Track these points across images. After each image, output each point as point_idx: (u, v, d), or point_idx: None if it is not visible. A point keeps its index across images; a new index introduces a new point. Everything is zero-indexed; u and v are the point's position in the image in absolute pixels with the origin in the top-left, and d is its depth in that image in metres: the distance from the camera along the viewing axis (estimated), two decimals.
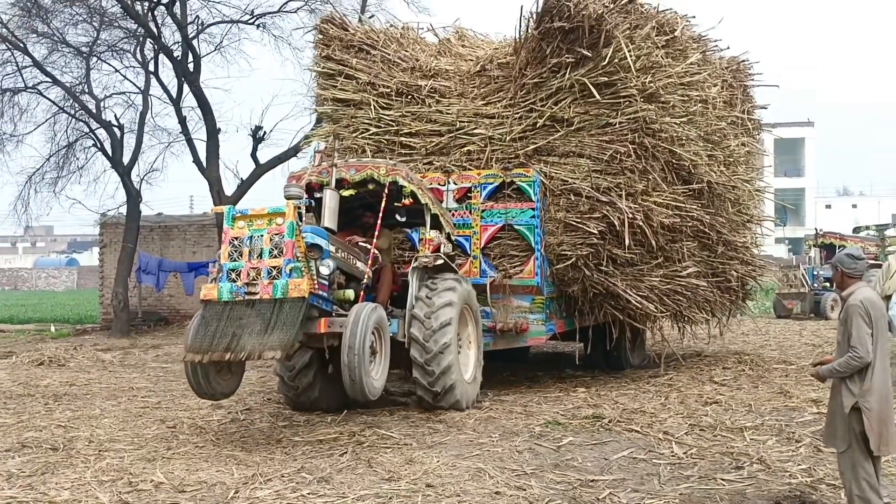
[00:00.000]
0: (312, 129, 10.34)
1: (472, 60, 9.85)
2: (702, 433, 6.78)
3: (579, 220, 8.53)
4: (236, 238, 6.28)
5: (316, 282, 6.30)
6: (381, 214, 7.37)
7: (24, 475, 5.63)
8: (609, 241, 8.50)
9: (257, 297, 6.03)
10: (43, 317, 22.25)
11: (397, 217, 8.40)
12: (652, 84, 8.68)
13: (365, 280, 7.12)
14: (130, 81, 18.79)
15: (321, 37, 10.13)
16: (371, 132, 9.64)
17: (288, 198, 6.60)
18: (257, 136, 17.39)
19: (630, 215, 8.40)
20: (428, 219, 7.90)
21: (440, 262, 7.68)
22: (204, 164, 17.17)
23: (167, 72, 18.44)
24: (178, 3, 16.54)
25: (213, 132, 17.08)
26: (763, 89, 11.85)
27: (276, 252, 6.16)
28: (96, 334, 17.43)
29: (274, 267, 6.14)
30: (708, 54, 10.39)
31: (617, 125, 8.56)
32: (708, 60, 10.25)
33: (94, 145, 18.40)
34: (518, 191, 8.74)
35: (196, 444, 6.44)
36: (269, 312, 5.99)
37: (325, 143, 10.04)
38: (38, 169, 18.31)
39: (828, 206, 57.08)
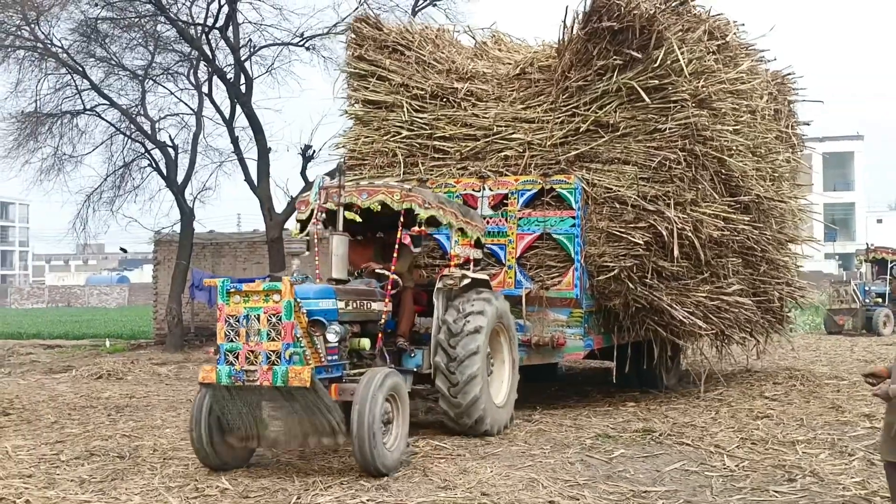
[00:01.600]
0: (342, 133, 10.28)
1: (510, 64, 9.83)
2: (753, 446, 6.91)
3: (623, 230, 8.39)
4: (232, 316, 5.89)
5: (322, 353, 6.04)
6: (396, 245, 7.04)
7: (95, 481, 6.06)
8: (654, 252, 8.37)
9: (257, 382, 5.74)
10: (97, 332, 23.47)
11: (412, 247, 8.10)
12: (704, 89, 8.57)
13: (383, 320, 6.91)
14: (185, 103, 20.06)
15: (354, 36, 10.18)
16: (403, 135, 9.65)
17: (290, 254, 6.54)
18: (307, 155, 17.93)
19: (679, 226, 8.27)
20: (453, 235, 7.70)
21: (467, 282, 7.44)
22: (255, 182, 17.98)
23: (220, 93, 19.54)
24: (231, 28, 17.59)
25: (264, 152, 17.91)
26: (808, 105, 11.68)
27: (273, 334, 5.77)
28: (150, 349, 18.28)
29: (273, 351, 5.77)
30: (756, 64, 10.27)
31: (666, 131, 8.43)
32: (756, 70, 10.13)
33: (150, 165, 19.68)
34: (557, 198, 8.66)
35: (256, 453, 6.68)
36: (283, 399, 5.79)
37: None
38: (97, 188, 19.66)
39: (879, 221, 56.33)
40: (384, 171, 9.55)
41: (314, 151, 17.91)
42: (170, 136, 19.84)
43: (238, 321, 5.82)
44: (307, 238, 7.27)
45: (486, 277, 7.99)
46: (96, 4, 16.97)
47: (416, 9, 18.31)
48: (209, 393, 5.98)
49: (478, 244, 8.18)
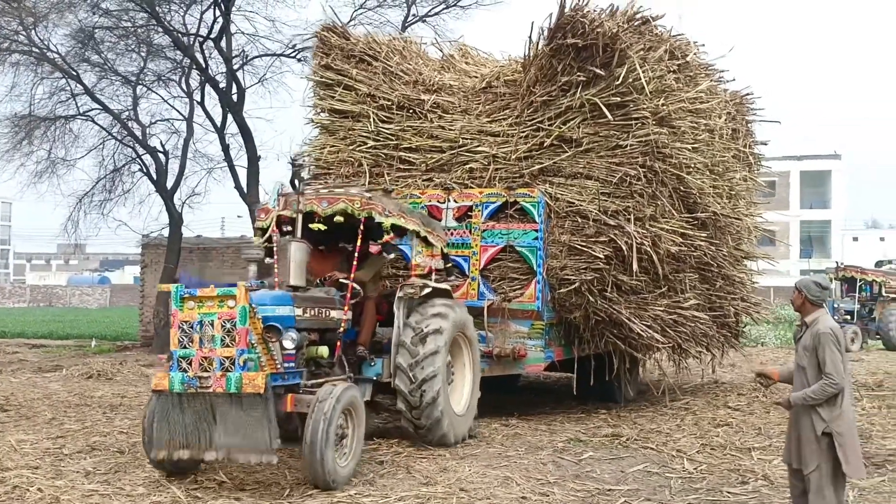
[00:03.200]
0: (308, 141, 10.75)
1: (476, 77, 10.39)
2: (712, 452, 7.78)
3: (584, 244, 8.95)
4: (186, 322, 6.05)
5: (278, 360, 6.23)
6: (356, 252, 7.32)
7: (99, 472, 6.67)
8: (615, 266, 8.92)
9: (210, 389, 5.90)
10: (81, 333, 24.34)
11: (383, 254, 8.21)
12: (664, 107, 9.19)
13: (342, 329, 7.21)
14: (176, 110, 21.15)
15: (321, 45, 10.65)
16: (369, 146, 10.14)
17: (247, 261, 6.81)
18: (296, 164, 18.63)
19: (638, 240, 8.83)
20: (415, 243, 8.08)
21: (428, 290, 7.82)
22: (245, 189, 18.80)
23: (211, 100, 20.57)
24: (224, 38, 18.59)
25: (254, 159, 18.83)
26: (766, 124, 12.43)
27: (228, 340, 5.94)
28: (137, 350, 19.04)
29: (227, 357, 5.93)
30: (715, 84, 10.97)
31: (627, 147, 9.04)
32: (715, 90, 10.81)
33: (141, 170, 20.81)
34: (521, 211, 9.21)
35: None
36: (232, 406, 5.90)
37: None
38: (88, 192, 20.70)
39: (855, 239, 58.05)
40: (349, 181, 9.96)
41: (304, 160, 18.69)
42: (161, 141, 20.96)
43: (192, 327, 6.03)
44: (265, 245, 7.57)
45: (448, 287, 8.43)
46: (94, 12, 17.99)
47: (406, 25, 19.38)
48: (157, 400, 6.14)
49: (442, 255, 8.65)
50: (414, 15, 20.33)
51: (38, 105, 19.76)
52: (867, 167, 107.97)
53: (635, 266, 8.80)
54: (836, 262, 24.70)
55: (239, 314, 5.92)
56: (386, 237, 7.53)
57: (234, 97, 19.03)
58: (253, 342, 5.98)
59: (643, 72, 8.92)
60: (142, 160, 20.69)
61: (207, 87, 20.03)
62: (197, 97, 20.42)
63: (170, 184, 20.24)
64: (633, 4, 9.34)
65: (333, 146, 10.38)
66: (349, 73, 10.44)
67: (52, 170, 20.41)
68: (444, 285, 8.39)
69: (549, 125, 9.32)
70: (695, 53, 10.26)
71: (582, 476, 6.83)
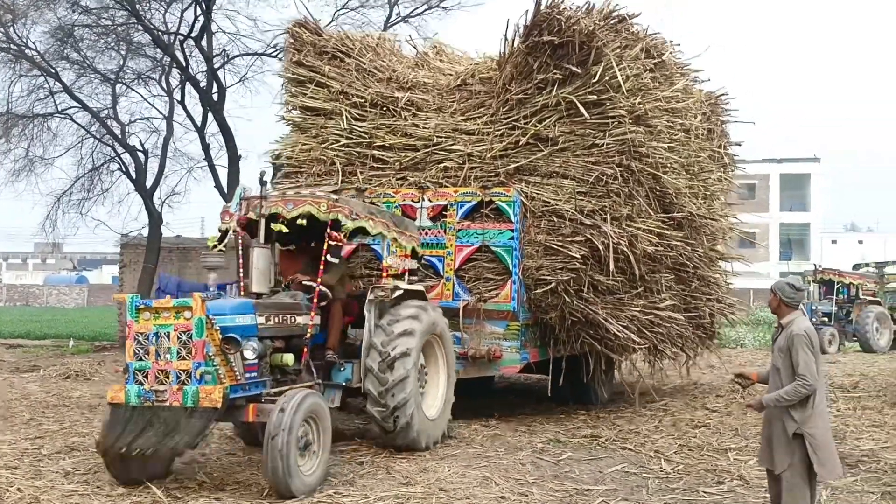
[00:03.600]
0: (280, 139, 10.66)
1: (451, 75, 10.35)
2: (690, 452, 7.93)
3: (561, 244, 8.92)
4: (141, 333, 5.98)
5: (238, 371, 6.14)
6: (323, 256, 7.17)
7: (78, 473, 6.74)
8: (591, 266, 8.90)
9: (166, 403, 5.83)
10: (58, 333, 24.27)
11: (329, 256, 7.66)
12: (641, 106, 9.20)
13: (308, 334, 7.11)
14: (157, 109, 21.34)
15: (293, 41, 10.55)
16: (341, 143, 10.06)
17: (207, 268, 6.67)
18: (277, 164, 18.93)
19: (615, 240, 8.82)
20: (385, 246, 8.02)
21: (399, 293, 7.75)
22: (225, 189, 18.83)
23: (191, 99, 20.76)
24: (205, 37, 18.79)
25: (234, 159, 18.95)
26: (740, 125, 12.55)
27: (184, 352, 5.88)
28: (115, 351, 18.83)
29: (183, 370, 5.87)
30: (691, 84, 11.01)
31: (603, 146, 9.03)
32: (690, 90, 10.86)
33: (120, 169, 20.92)
34: (497, 211, 9.17)
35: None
36: (177, 419, 5.84)
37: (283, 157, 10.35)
38: (66, 191, 20.83)
39: (833, 242, 58.80)
40: (322, 180, 9.91)
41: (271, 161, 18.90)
42: (140, 140, 21.14)
43: (148, 339, 5.94)
44: (224, 249, 7.32)
45: (421, 288, 8.37)
46: (73, 10, 18.07)
47: (388, 25, 19.56)
48: (111, 413, 6.03)
49: (414, 255, 8.58)
50: (397, 15, 20.60)
51: (15, 103, 19.82)
52: (847, 170, 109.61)
53: (612, 266, 8.79)
54: (814, 265, 25.06)
55: (195, 326, 5.87)
56: (335, 235, 7.27)
57: (215, 96, 19.18)
58: (210, 354, 5.90)
59: (619, 70, 8.92)
60: (121, 159, 20.79)
61: (188, 86, 20.11)
62: (177, 96, 20.55)
63: (149, 183, 20.32)
64: (610, 2, 9.34)
65: (305, 144, 10.29)
66: (321, 69, 10.35)
67: (30, 168, 20.51)
68: (417, 286, 8.34)
69: (524, 123, 9.29)
70: (671, 53, 10.29)
71: (560, 476, 6.98)
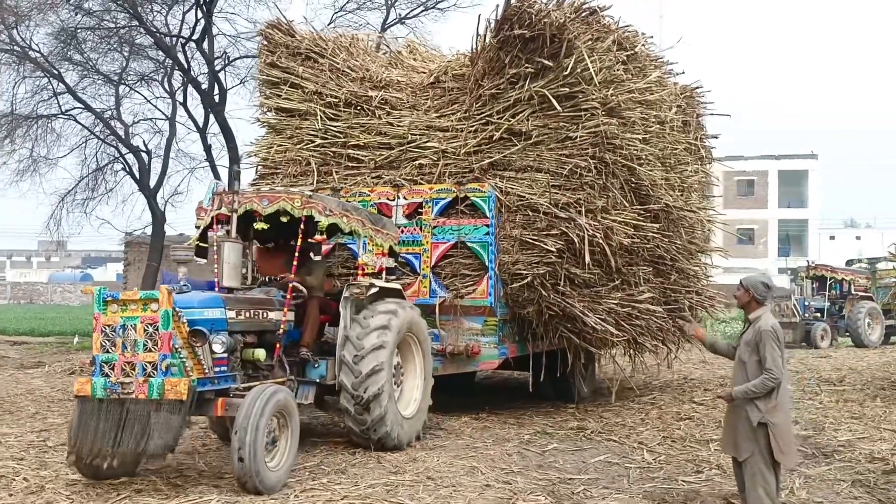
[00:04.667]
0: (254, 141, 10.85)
1: (424, 73, 10.54)
2: (673, 444, 8.30)
3: (536, 238, 9.07)
4: (108, 325, 6.08)
5: (207, 364, 6.23)
6: (297, 252, 7.33)
7: None
8: (567, 259, 9.05)
9: (132, 395, 5.92)
10: (63, 330, 24.79)
11: (311, 255, 8.03)
12: (613, 98, 9.38)
13: (281, 330, 7.23)
14: (159, 110, 22.40)
15: (266, 43, 10.75)
16: (316, 143, 10.26)
17: (176, 262, 6.83)
18: (251, 166, 19.85)
19: (590, 233, 8.98)
20: (360, 244, 8.17)
21: (374, 290, 7.88)
22: (226, 188, 19.55)
23: (193, 100, 21.56)
24: (206, 40, 19.58)
25: (235, 159, 19.36)
26: (717, 118, 12.88)
27: (150, 345, 5.99)
28: None
29: (149, 362, 5.96)
30: (665, 76, 11.22)
31: (577, 139, 9.19)
32: (664, 82, 11.06)
33: (123, 169, 21.90)
34: (472, 206, 9.35)
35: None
36: (147, 414, 5.90)
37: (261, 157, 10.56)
38: (71, 190, 21.89)
39: (831, 238, 59.26)
40: (297, 181, 10.10)
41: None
42: (143, 141, 22.16)
43: (114, 331, 6.04)
44: (198, 244, 7.60)
45: (398, 286, 8.51)
46: (76, 13, 18.87)
47: (385, 27, 20.23)
48: (80, 409, 6.10)
49: (391, 253, 8.75)
50: (394, 17, 21.35)
51: (19, 104, 20.68)
52: (846, 166, 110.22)
53: (587, 258, 8.94)
54: (807, 261, 25.54)
55: (161, 318, 5.95)
56: (318, 238, 7.51)
57: (216, 98, 19.93)
58: (177, 347, 5.99)
59: (591, 62, 9.09)
60: (125, 159, 21.70)
61: (190, 88, 20.84)
62: (179, 97, 21.37)
63: (153, 183, 21.30)
64: None
65: (280, 145, 10.48)
66: (295, 70, 10.54)
67: (35, 168, 21.43)
68: (394, 284, 8.49)
69: (498, 118, 9.46)
70: (643, 45, 10.49)
71: (545, 466, 7.34)
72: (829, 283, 23.13)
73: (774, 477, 5.43)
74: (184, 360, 6.01)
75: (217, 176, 20.15)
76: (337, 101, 10.32)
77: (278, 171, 10.42)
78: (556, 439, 8.50)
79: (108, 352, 6.06)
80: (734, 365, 5.69)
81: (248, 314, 6.93)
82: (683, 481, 6.81)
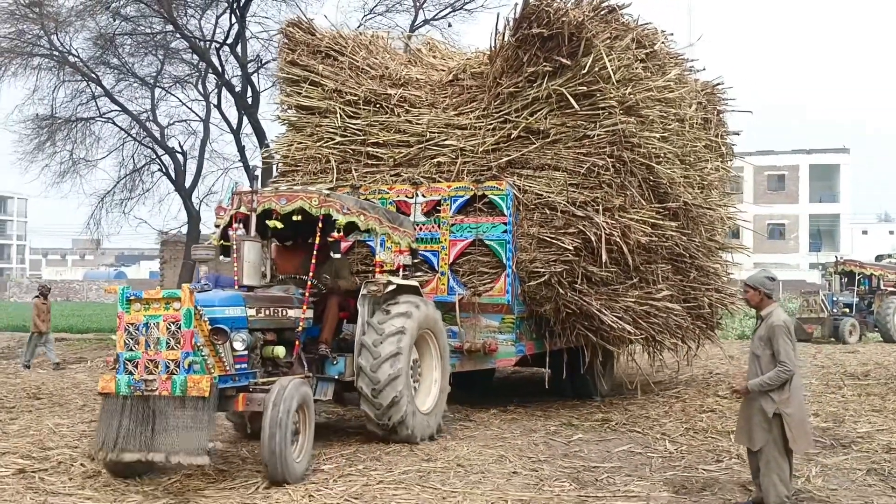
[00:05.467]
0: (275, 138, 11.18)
1: (443, 70, 10.78)
2: (695, 435, 8.69)
3: (554, 236, 9.30)
4: (131, 324, 6.32)
5: (228, 362, 6.44)
6: (315, 250, 7.58)
7: None
8: (584, 258, 9.27)
9: (156, 392, 6.14)
10: (101, 327, 26.11)
11: (331, 254, 8.45)
12: (632, 96, 9.54)
13: (300, 327, 7.53)
14: (194, 112, 23.58)
15: (287, 41, 11.03)
16: (336, 141, 10.53)
17: (196, 261, 7.12)
18: (270, 164, 20.67)
19: (607, 231, 9.18)
20: (377, 241, 8.45)
21: (392, 288, 8.13)
22: (259, 188, 20.71)
23: (226, 102, 22.69)
24: (239, 44, 20.58)
25: (268, 159, 20.29)
26: (739, 115, 13.16)
27: (173, 342, 6.21)
28: None
29: (172, 360, 6.19)
30: (685, 74, 11.37)
31: (595, 137, 9.39)
32: (684, 79, 11.21)
33: (160, 170, 23.10)
34: (490, 204, 9.58)
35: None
36: (174, 409, 6.12)
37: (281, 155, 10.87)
38: (109, 191, 23.19)
39: (864, 232, 58.92)
40: (317, 178, 10.38)
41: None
42: (179, 143, 23.34)
43: (138, 329, 6.30)
44: (222, 244, 7.88)
45: (416, 284, 8.77)
46: (114, 19, 19.93)
47: (414, 28, 20.91)
48: (105, 403, 6.37)
49: (410, 251, 8.99)
50: (422, 19, 22.04)
51: (59, 107, 21.81)
52: (882, 159, 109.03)
53: (605, 257, 9.14)
54: (836, 256, 25.65)
55: (184, 316, 6.18)
56: (334, 235, 7.75)
57: (249, 100, 20.83)
58: (199, 344, 6.22)
59: (609, 61, 9.25)
60: (161, 160, 22.82)
61: (224, 90, 21.83)
62: (213, 100, 22.44)
63: (188, 183, 22.40)
64: None
65: (301, 143, 10.77)
66: (315, 68, 10.82)
67: (75, 169, 22.59)
68: (411, 282, 8.73)
69: (516, 117, 9.68)
70: (663, 42, 10.63)
71: (570, 455, 7.76)
72: (857, 278, 23.24)
73: (788, 464, 5.76)
74: (205, 357, 6.25)
75: (250, 176, 20.73)
76: (356, 98, 10.57)
77: (298, 168, 10.71)
78: (581, 430, 8.97)
79: (131, 349, 6.30)
80: (748, 359, 6.02)
81: (267, 312, 7.20)
82: (703, 469, 7.19)
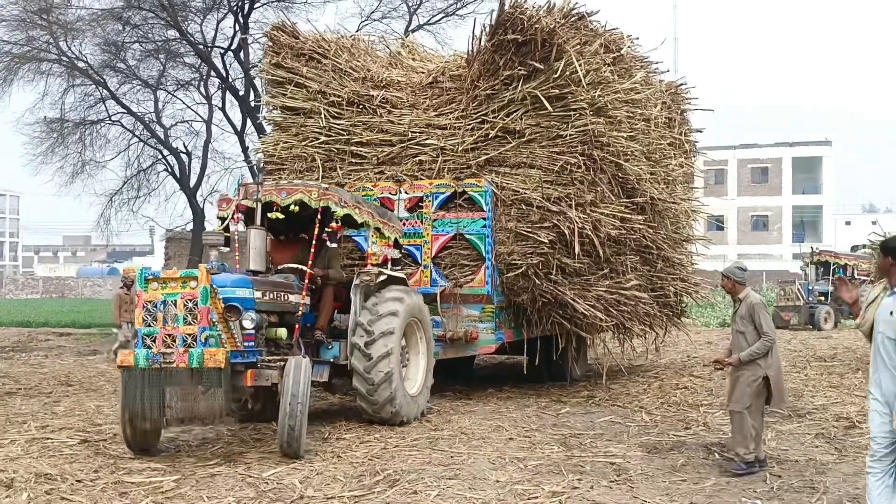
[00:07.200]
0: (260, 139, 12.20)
1: (423, 73, 11.85)
2: (668, 408, 10.18)
3: (530, 230, 10.44)
4: (150, 302, 7.07)
5: (238, 339, 7.20)
6: (314, 241, 8.50)
7: (172, 427, 8.44)
8: (558, 250, 10.41)
9: (174, 365, 6.87)
10: (102, 321, 27.33)
11: (328, 242, 9.34)
12: (601, 98, 10.68)
13: (300, 312, 8.50)
14: (199, 115, 25.20)
15: (271, 44, 12.04)
16: (321, 141, 11.58)
17: (207, 245, 8.00)
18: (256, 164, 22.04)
19: (580, 225, 10.32)
20: (370, 235, 9.47)
21: (383, 278, 9.15)
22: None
23: (229, 102, 24.36)
24: (242, 50, 22.35)
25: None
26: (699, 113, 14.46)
27: (190, 318, 6.97)
28: None
29: (189, 334, 6.95)
30: (650, 75, 12.56)
31: (567, 137, 10.51)
32: (650, 81, 12.39)
33: (165, 170, 24.83)
34: (469, 200, 10.69)
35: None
36: (190, 380, 6.94)
37: (266, 154, 11.87)
38: (118, 191, 24.90)
39: (847, 223, 60.82)
40: (303, 176, 11.38)
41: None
42: (184, 143, 25.02)
43: (156, 306, 7.15)
44: (226, 235, 8.78)
45: (403, 276, 9.84)
46: (123, 27, 21.69)
47: (408, 33, 22.10)
48: (125, 376, 7.11)
49: (396, 245, 10.06)
50: (416, 24, 23.78)
51: (68, 110, 23.55)
52: (866, 150, 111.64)
53: (577, 249, 10.28)
54: (811, 248, 27.42)
55: (200, 294, 7.00)
56: (333, 226, 8.74)
57: (252, 103, 22.04)
58: (214, 320, 7.09)
59: (580, 65, 10.37)
60: (166, 160, 24.50)
61: (228, 93, 23.50)
62: (217, 101, 24.14)
63: (192, 182, 23.90)
64: (570, 1, 10.82)
65: (286, 142, 11.79)
66: (300, 70, 11.83)
67: (84, 171, 24.36)
68: (399, 273, 9.79)
69: (493, 118, 10.78)
70: (629, 46, 11.78)
71: (559, 425, 9.16)
72: (832, 267, 24.79)
73: (761, 423, 7.21)
74: (219, 332, 7.14)
75: (253, 175, 22.18)
76: (340, 99, 11.61)
77: (284, 166, 11.72)
78: (568, 405, 10.45)
79: (149, 326, 7.16)
80: (732, 336, 7.37)
81: (271, 296, 8.15)
82: (673, 435, 8.57)
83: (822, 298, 24.42)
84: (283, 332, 8.20)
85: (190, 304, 7.10)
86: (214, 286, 7.23)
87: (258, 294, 7.91)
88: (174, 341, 7.11)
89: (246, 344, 7.53)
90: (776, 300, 25.62)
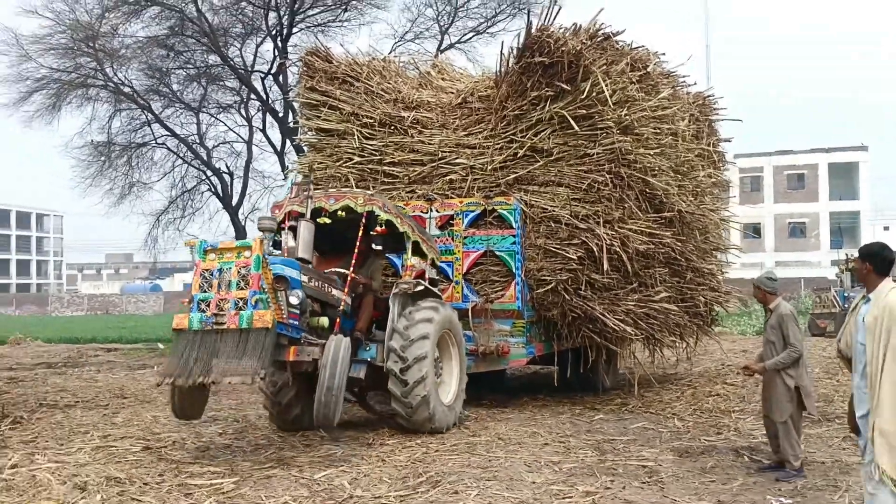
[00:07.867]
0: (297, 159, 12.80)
1: (452, 93, 12.37)
2: (700, 414, 10.77)
3: (559, 247, 10.92)
4: (207, 270, 7.84)
5: (284, 311, 7.83)
6: (357, 243, 9.08)
7: (228, 433, 9.70)
8: (587, 266, 10.88)
9: (225, 326, 7.53)
10: (148, 337, 29.04)
11: (373, 245, 10.18)
12: (627, 117, 11.13)
13: (342, 307, 9.03)
14: (240, 137, 26.51)
15: (306, 69, 12.64)
16: (354, 161, 12.14)
17: (261, 230, 8.53)
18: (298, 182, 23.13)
19: (608, 242, 10.77)
20: (408, 246, 9.96)
21: (420, 287, 9.68)
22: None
23: (269, 123, 25.60)
24: (281, 74, 23.52)
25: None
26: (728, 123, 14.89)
27: (242, 284, 7.69)
28: None
29: (241, 298, 7.64)
30: (677, 89, 12.99)
31: (594, 156, 10.98)
32: (677, 95, 12.80)
33: (209, 189, 26.17)
34: (499, 218, 11.17)
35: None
36: (237, 341, 7.55)
37: (303, 174, 12.49)
38: (164, 210, 26.50)
39: (886, 228, 60.62)
40: None
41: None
42: (226, 164, 26.38)
43: (212, 274, 7.86)
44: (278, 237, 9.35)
45: (437, 291, 10.35)
46: (168, 55, 23.18)
47: (440, 50, 23.55)
48: (178, 337, 7.73)
49: (433, 265, 10.54)
50: (448, 44, 24.86)
51: (115, 133, 25.00)
52: None
53: (606, 265, 10.73)
54: (846, 255, 27.37)
55: (253, 262, 7.71)
56: (378, 230, 9.26)
57: (291, 124, 22.96)
58: (264, 287, 7.70)
59: (606, 85, 10.83)
60: (210, 181, 25.83)
61: (268, 115, 24.67)
62: (258, 123, 25.44)
63: (234, 201, 25.08)
64: (595, 23, 11.29)
65: (321, 163, 12.37)
66: (333, 94, 12.43)
67: (132, 192, 25.71)
68: (435, 289, 10.30)
69: (521, 137, 11.27)
70: (655, 64, 12.23)
71: (593, 431, 9.73)
72: None
73: (799, 430, 7.62)
74: (268, 298, 7.78)
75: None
76: (372, 121, 12.18)
77: (319, 186, 12.25)
78: (602, 412, 11.00)
79: (205, 291, 7.87)
80: (763, 345, 7.79)
81: (317, 283, 8.78)
82: (705, 440, 9.09)
83: None
84: (325, 320, 8.74)
85: (243, 272, 7.78)
86: (266, 257, 7.86)
87: (304, 278, 8.52)
88: (227, 305, 7.75)
89: (291, 321, 8.13)
90: (812, 307, 25.78)
